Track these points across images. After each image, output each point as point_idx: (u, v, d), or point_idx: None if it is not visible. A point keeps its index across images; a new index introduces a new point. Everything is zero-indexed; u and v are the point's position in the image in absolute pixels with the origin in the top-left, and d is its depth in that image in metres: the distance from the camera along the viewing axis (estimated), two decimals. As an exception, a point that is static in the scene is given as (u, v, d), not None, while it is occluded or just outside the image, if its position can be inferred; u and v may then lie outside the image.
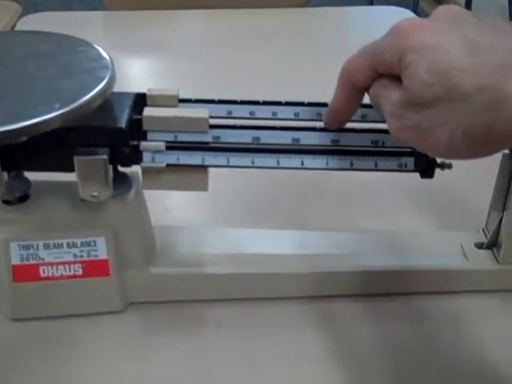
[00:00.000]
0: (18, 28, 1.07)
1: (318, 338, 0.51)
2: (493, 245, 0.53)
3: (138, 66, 0.99)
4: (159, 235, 0.53)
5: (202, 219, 0.63)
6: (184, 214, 0.63)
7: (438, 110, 0.34)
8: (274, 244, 0.56)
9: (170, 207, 0.62)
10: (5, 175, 0.46)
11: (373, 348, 0.49)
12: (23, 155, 0.46)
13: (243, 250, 0.54)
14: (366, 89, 0.40)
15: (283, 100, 0.49)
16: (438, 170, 0.47)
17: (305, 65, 0.96)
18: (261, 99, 0.49)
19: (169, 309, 0.52)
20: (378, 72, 0.39)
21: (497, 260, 0.53)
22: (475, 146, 0.34)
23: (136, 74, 0.96)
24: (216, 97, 0.49)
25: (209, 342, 0.50)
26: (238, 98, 0.50)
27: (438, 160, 0.46)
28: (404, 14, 1.18)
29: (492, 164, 0.50)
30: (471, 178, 0.65)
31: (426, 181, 0.59)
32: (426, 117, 0.35)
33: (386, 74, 0.38)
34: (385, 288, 0.54)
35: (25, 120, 0.41)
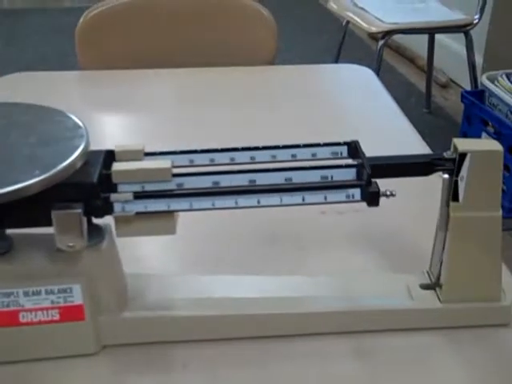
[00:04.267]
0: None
1: (278, 375, 0.57)
2: (436, 286, 0.58)
3: (110, 122, 1.05)
4: (131, 282, 0.58)
5: (169, 267, 0.67)
6: (153, 262, 0.68)
7: None
8: (235, 288, 0.61)
9: (139, 256, 0.66)
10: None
11: None
12: (4, 215, 0.50)
13: (207, 295, 0.60)
14: None
15: (240, 146, 0.57)
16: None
17: (270, 116, 1.04)
18: (219, 147, 0.57)
19: (140, 350, 0.58)
20: None
21: (439, 299, 0.57)
22: None
23: (108, 130, 1.02)
24: (180, 148, 0.56)
25: (176, 381, 0.54)
26: (199, 148, 0.56)
27: (382, 188, 0.54)
28: (363, 71, 1.25)
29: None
30: (418, 223, 0.73)
31: (374, 226, 0.66)
32: None
33: None
34: (335, 327, 0.60)
35: (8, 186, 0.48)
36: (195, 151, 0.57)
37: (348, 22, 2.60)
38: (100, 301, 0.56)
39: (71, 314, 0.55)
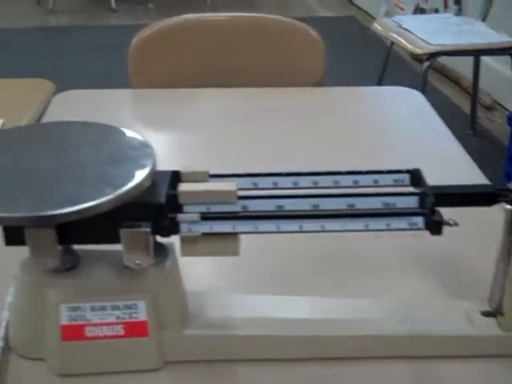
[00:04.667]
0: (52, 104, 1.16)
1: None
2: (497, 313, 0.58)
3: (162, 141, 1.07)
4: (190, 299, 0.59)
5: (224, 285, 0.70)
6: (210, 280, 0.69)
7: None
8: (294, 309, 0.62)
9: (198, 274, 0.68)
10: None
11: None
12: (76, 231, 0.54)
13: (266, 314, 0.61)
14: None
15: (303, 171, 0.58)
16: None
17: (318, 138, 1.07)
18: (282, 171, 0.59)
19: (202, 368, 0.60)
20: None
21: (500, 327, 0.57)
22: None
23: (161, 149, 1.03)
24: (237, 169, 0.58)
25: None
26: (260, 171, 0.58)
27: (445, 218, 0.54)
28: (411, 94, 1.25)
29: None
30: (477, 249, 0.75)
31: (431, 250, 0.66)
32: None
33: None
34: (394, 351, 0.61)
35: (81, 203, 0.50)
36: (259, 174, 0.58)
37: (392, 43, 2.60)
38: (163, 317, 0.57)
39: (135, 329, 0.57)
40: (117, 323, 0.57)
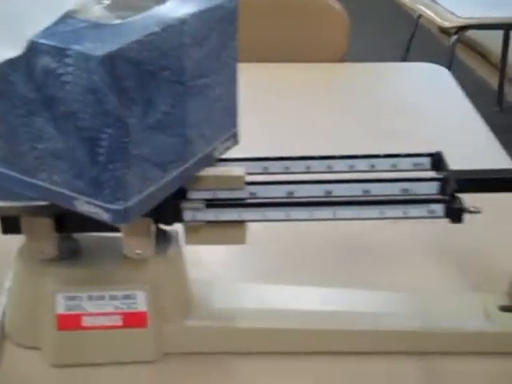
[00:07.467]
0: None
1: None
2: (516, 307, 0.55)
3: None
4: (195, 288, 0.56)
5: (233, 274, 0.65)
6: (217, 268, 0.65)
7: None
8: (302, 300, 0.59)
9: (203, 261, 0.64)
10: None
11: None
12: (74, 219, 0.50)
13: (273, 306, 0.58)
14: None
15: (317, 154, 0.55)
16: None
17: (335, 118, 1.01)
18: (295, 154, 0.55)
19: (202, 360, 0.57)
20: None
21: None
22: None
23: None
24: (252, 153, 0.54)
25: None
26: (273, 153, 0.55)
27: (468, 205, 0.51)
28: (437, 70, 1.20)
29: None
30: (501, 239, 0.71)
31: (452, 238, 0.61)
32: None
33: None
34: (405, 347, 0.57)
35: None
36: (270, 158, 0.54)
37: (420, 16, 2.53)
38: (164, 308, 0.54)
39: (134, 320, 0.54)
40: (114, 313, 0.54)
